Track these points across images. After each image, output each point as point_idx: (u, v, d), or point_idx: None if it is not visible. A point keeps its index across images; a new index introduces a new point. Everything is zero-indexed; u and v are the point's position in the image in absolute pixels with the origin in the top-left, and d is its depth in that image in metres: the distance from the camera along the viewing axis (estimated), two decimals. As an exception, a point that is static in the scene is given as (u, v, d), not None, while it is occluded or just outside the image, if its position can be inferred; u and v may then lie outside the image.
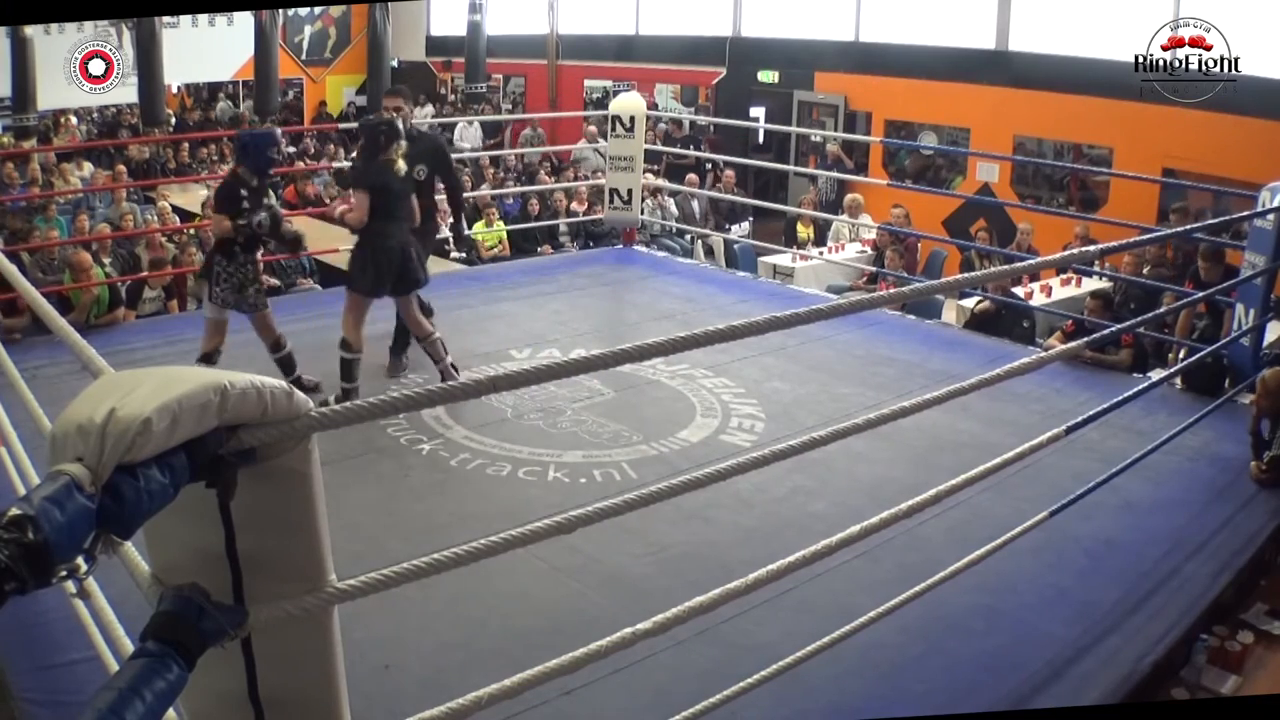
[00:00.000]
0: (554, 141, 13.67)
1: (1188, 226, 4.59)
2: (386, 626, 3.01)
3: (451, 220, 5.77)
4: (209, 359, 4.84)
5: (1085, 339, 4.55)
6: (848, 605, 2.80)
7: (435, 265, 5.83)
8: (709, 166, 11.95)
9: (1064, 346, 4.59)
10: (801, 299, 6.83)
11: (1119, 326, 4.44)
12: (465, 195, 10.58)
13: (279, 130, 5.32)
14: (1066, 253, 3.58)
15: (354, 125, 7.44)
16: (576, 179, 11.29)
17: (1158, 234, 5.03)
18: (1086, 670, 3.06)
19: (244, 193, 4.75)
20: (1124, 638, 3.23)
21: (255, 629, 1.42)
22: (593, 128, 12.82)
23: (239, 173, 4.85)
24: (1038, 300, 7.31)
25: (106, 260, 7.19)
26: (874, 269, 7.98)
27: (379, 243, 4.83)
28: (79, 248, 6.72)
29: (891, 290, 6.70)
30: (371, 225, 4.81)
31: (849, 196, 10.01)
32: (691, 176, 11.26)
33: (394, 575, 1.62)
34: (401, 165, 4.84)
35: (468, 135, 13.59)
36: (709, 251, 10.21)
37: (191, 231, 8.27)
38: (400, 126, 4.93)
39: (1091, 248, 3.27)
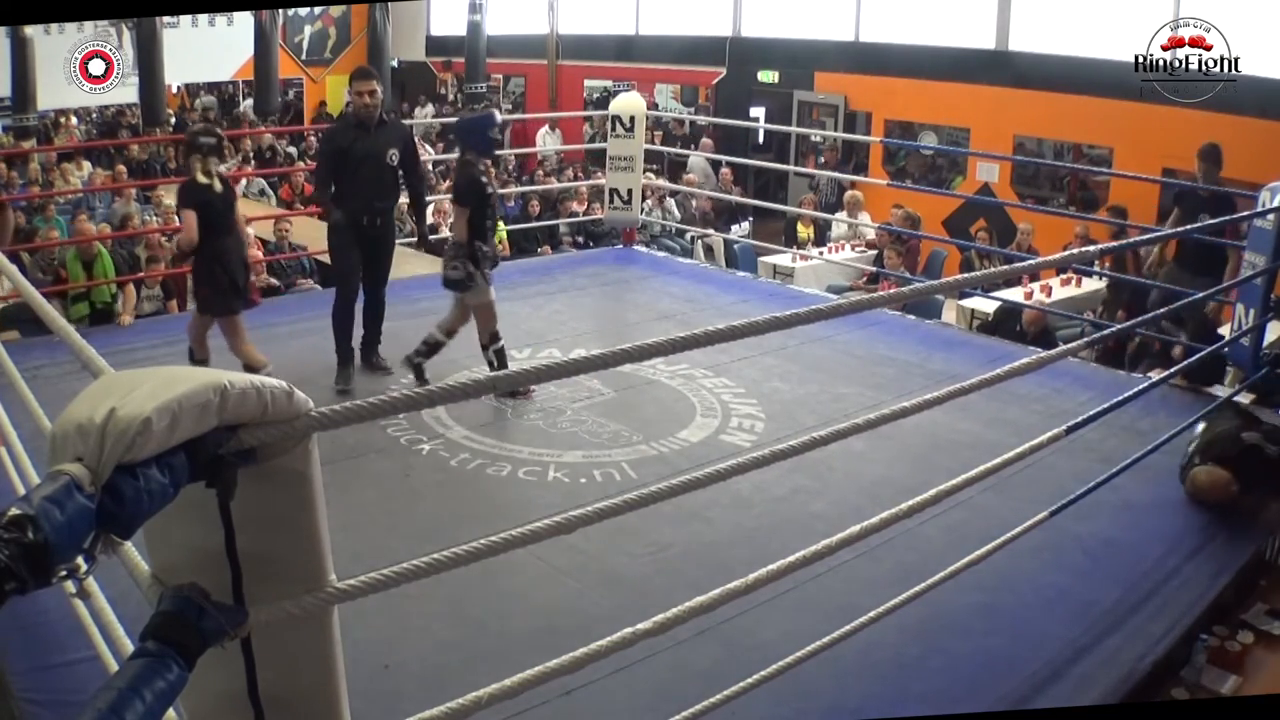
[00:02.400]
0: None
1: (1187, 226, 4.58)
2: (386, 626, 3.01)
3: (414, 219, 5.63)
4: (496, 337, 4.97)
5: (1086, 339, 4.56)
6: (848, 605, 2.80)
7: (435, 265, 5.82)
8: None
9: (1065, 347, 4.59)
10: (801, 299, 6.83)
11: (1119, 326, 4.45)
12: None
13: (496, 111, 5.29)
14: (1066, 253, 3.57)
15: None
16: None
17: (1158, 234, 5.02)
18: (1086, 670, 3.06)
19: (484, 179, 4.87)
20: (1124, 638, 3.23)
21: (255, 629, 1.42)
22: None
23: (469, 159, 4.92)
24: (1037, 300, 7.32)
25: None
26: (874, 269, 7.99)
27: (218, 259, 4.71)
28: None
29: (891, 290, 6.70)
30: (207, 242, 4.66)
31: (848, 194, 10.01)
32: (690, 177, 11.26)
33: (394, 575, 1.62)
34: (215, 183, 4.65)
35: (550, 141, 13.48)
36: (709, 251, 10.21)
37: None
38: (216, 142, 4.76)
39: (1091, 248, 3.27)
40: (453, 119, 5.74)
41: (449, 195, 5.73)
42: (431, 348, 5.10)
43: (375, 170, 5.07)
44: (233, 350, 4.76)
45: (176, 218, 5.10)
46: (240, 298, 4.79)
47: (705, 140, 12.29)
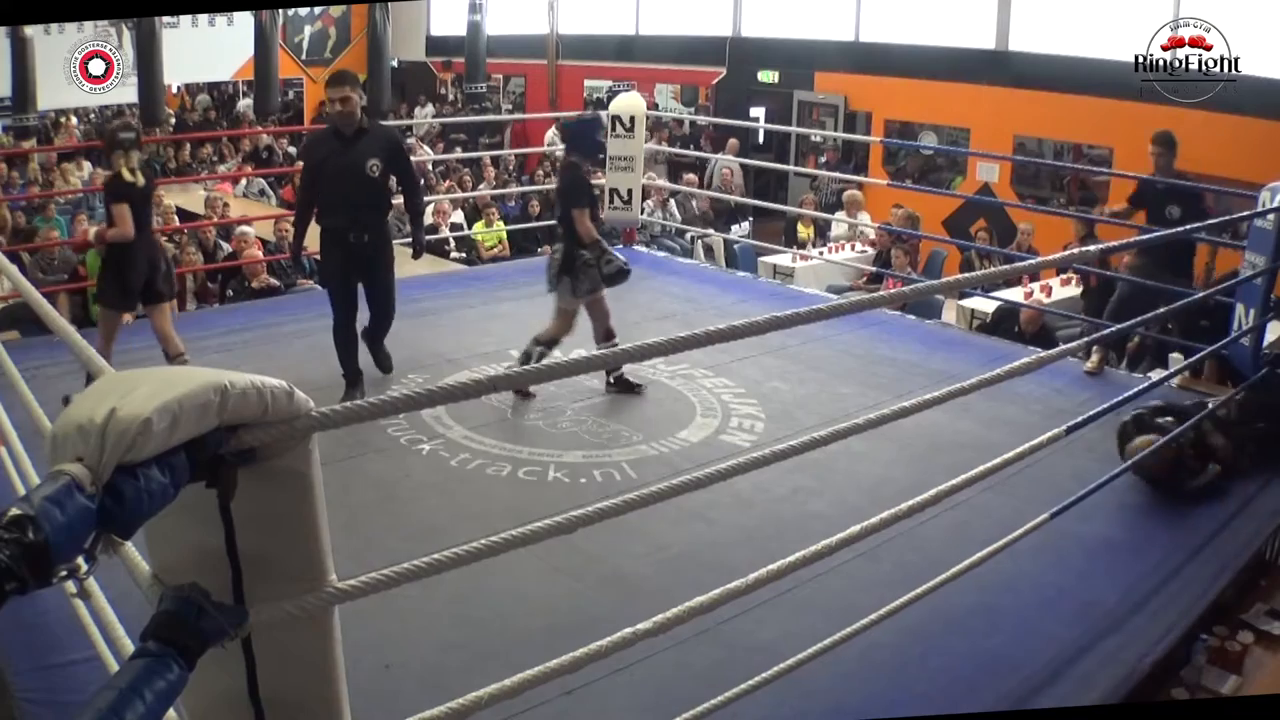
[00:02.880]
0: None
1: (1188, 226, 4.57)
2: (386, 626, 3.01)
3: (411, 227, 5.31)
4: (553, 344, 4.95)
5: (1087, 338, 4.56)
6: (848, 605, 2.80)
7: (436, 265, 5.83)
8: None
9: (1065, 347, 4.59)
10: (801, 299, 6.83)
11: (1120, 326, 4.44)
12: (467, 195, 10.68)
13: (603, 115, 5.25)
14: (1066, 253, 3.57)
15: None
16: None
17: (1158, 234, 5.02)
18: (1086, 670, 3.06)
19: (592, 185, 4.88)
20: (1124, 638, 3.23)
21: (255, 629, 1.41)
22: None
23: (575, 162, 4.91)
24: (1036, 300, 7.32)
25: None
26: (874, 269, 7.99)
27: (132, 254, 4.74)
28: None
29: (891, 290, 6.69)
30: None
31: (847, 193, 10.01)
32: (690, 176, 11.26)
33: (394, 575, 1.62)
34: (139, 178, 4.70)
35: (559, 142, 13.46)
36: (709, 251, 10.21)
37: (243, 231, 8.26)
38: (135, 137, 4.77)
39: (1092, 247, 3.26)
40: (559, 119, 5.44)
41: (446, 194, 5.70)
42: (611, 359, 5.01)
43: (355, 184, 4.74)
44: (98, 348, 4.76)
45: (175, 218, 5.12)
46: (137, 298, 4.82)
47: (732, 141, 12.31)
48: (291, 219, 8.27)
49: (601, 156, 5.13)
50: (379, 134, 4.89)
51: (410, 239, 5.31)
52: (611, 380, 5.06)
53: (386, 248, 4.98)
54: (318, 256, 5.72)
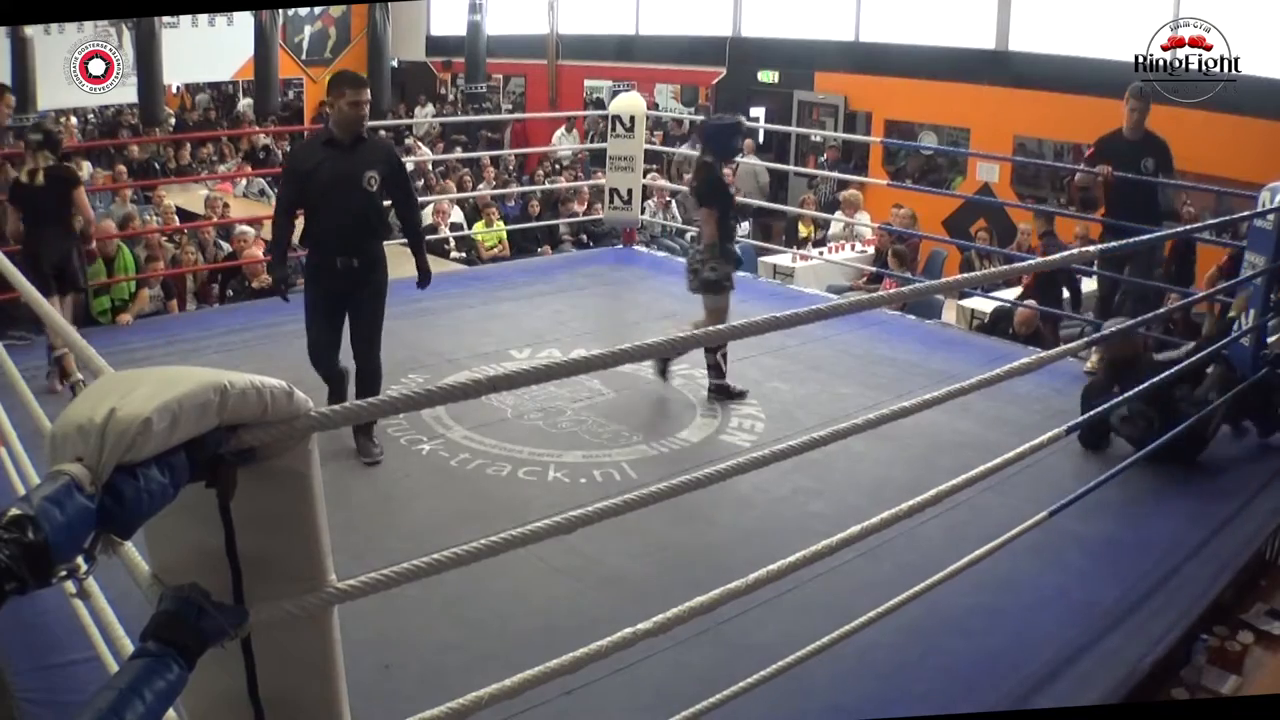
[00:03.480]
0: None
1: (1188, 226, 4.57)
2: (386, 626, 3.01)
3: (412, 251, 4.59)
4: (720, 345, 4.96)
5: (1087, 339, 4.56)
6: (848, 605, 2.80)
7: (435, 265, 5.82)
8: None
9: (1066, 347, 4.59)
10: (801, 299, 6.83)
11: (1121, 326, 4.44)
12: (467, 195, 10.68)
13: (742, 118, 5.25)
14: (1066, 253, 3.57)
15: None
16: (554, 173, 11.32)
17: (1158, 234, 5.01)
18: (1086, 670, 3.06)
19: (725, 180, 4.87)
20: (1124, 638, 3.23)
21: (255, 629, 1.41)
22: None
23: (709, 161, 4.91)
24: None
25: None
26: (874, 269, 7.98)
27: (33, 251, 4.85)
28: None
29: (891, 290, 6.69)
30: (29, 235, 4.91)
31: (846, 192, 10.01)
32: (690, 176, 11.25)
33: (394, 575, 1.62)
34: (38, 178, 4.86)
35: (567, 141, 13.44)
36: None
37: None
38: (43, 138, 4.93)
39: (1091, 248, 3.26)
40: (700, 119, 5.28)
41: (445, 195, 5.66)
42: (716, 367, 4.99)
43: (349, 199, 4.15)
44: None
45: (176, 218, 5.17)
46: (49, 294, 4.85)
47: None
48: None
49: (736, 160, 5.08)
50: (377, 144, 4.37)
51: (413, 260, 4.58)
52: (711, 387, 5.04)
53: (379, 276, 4.30)
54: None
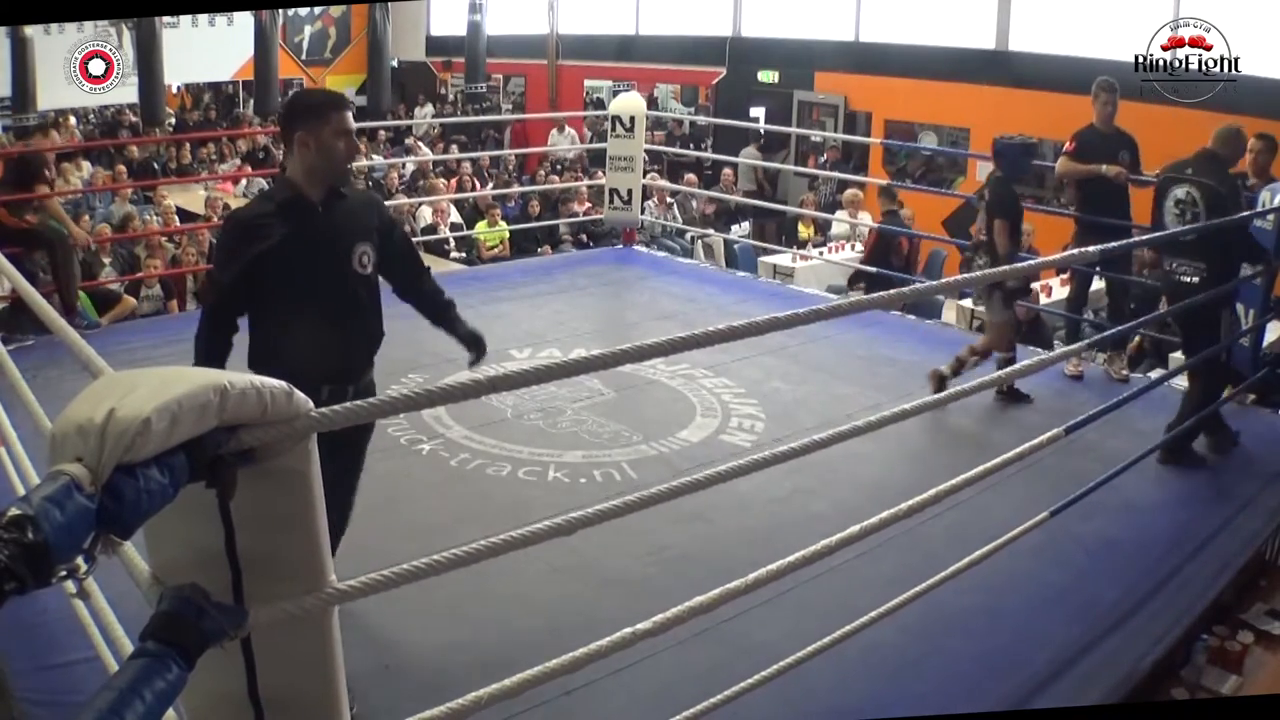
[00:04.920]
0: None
1: (1189, 227, 4.56)
2: (386, 626, 3.01)
3: (459, 339, 3.26)
4: (986, 355, 4.97)
5: (1087, 340, 4.56)
6: (848, 605, 2.80)
7: (435, 265, 5.81)
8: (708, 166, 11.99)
9: (1067, 348, 4.59)
10: (802, 299, 6.83)
11: (1121, 327, 4.45)
12: (467, 195, 10.67)
13: (1033, 139, 5.30)
14: (1067, 253, 3.57)
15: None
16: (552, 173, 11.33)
17: (1158, 235, 5.01)
18: (1086, 670, 3.06)
19: (1020, 202, 4.97)
20: (1124, 638, 3.23)
21: (255, 629, 1.41)
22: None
23: (1004, 178, 5.01)
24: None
25: (106, 260, 7.20)
26: (874, 269, 7.97)
27: None
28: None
29: (892, 291, 6.68)
30: None
31: (849, 192, 10.01)
32: (690, 176, 11.26)
33: (394, 575, 1.62)
34: None
35: (560, 140, 13.41)
36: (709, 251, 10.21)
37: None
38: None
39: (1091, 248, 3.26)
40: (999, 140, 5.21)
41: (440, 196, 5.64)
42: (1012, 391, 4.98)
43: (334, 289, 2.77)
44: None
45: (176, 218, 5.17)
46: None
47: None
48: None
49: (1027, 175, 5.18)
50: (360, 200, 2.91)
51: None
52: (1003, 390, 5.00)
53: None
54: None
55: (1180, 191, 4.45)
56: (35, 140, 10.52)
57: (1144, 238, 4.62)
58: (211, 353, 2.73)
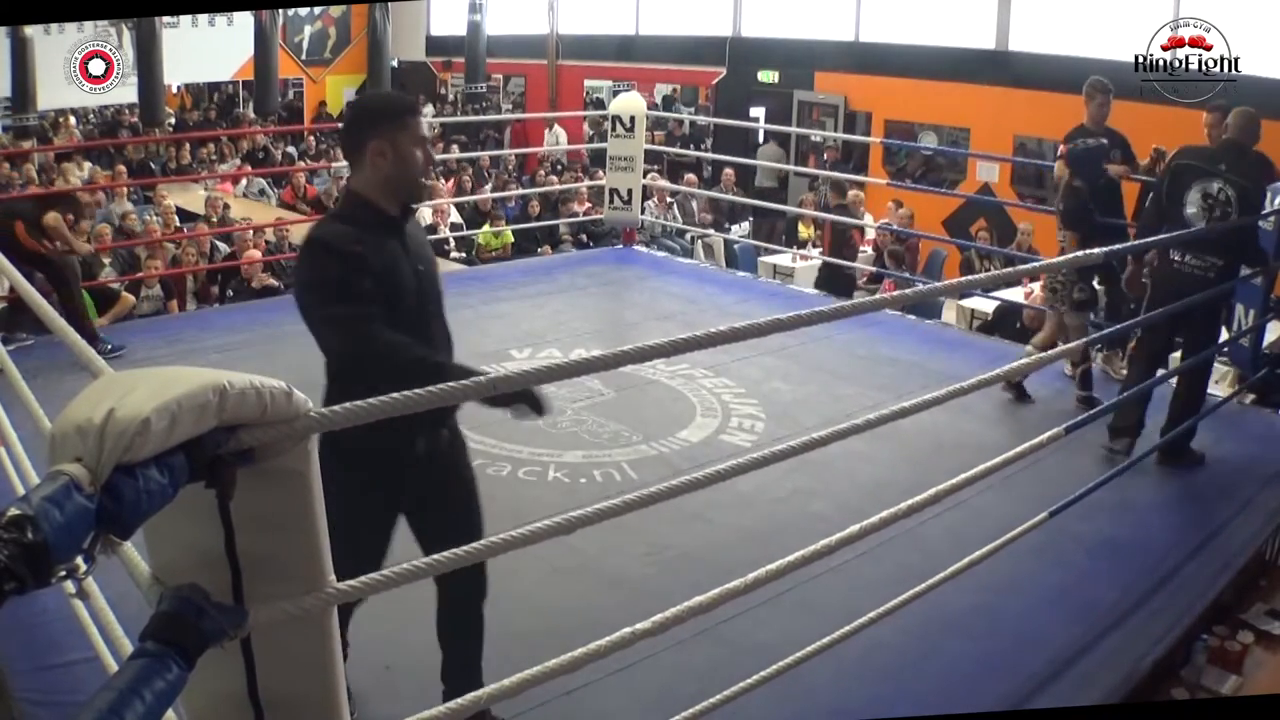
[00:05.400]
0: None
1: (1189, 229, 4.56)
2: (386, 626, 3.01)
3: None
4: (1087, 356, 5.02)
5: (1086, 339, 4.56)
6: (848, 605, 2.80)
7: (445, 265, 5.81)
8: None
9: (1067, 346, 4.59)
10: (802, 299, 6.83)
11: (1121, 326, 4.44)
12: (467, 198, 10.67)
13: (1105, 141, 5.26)
14: (1073, 254, 3.57)
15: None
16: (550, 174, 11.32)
17: (1159, 236, 5.00)
18: (1086, 670, 3.06)
19: (1091, 206, 4.94)
20: (1124, 638, 3.23)
21: (255, 629, 1.41)
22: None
23: (1078, 186, 4.98)
24: (1035, 299, 7.32)
25: (106, 260, 7.21)
26: (874, 269, 7.98)
27: None
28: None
29: (892, 291, 6.69)
30: None
31: (848, 193, 10.01)
32: (690, 177, 11.27)
33: (394, 575, 1.62)
34: None
35: (551, 140, 13.39)
36: (709, 251, 10.21)
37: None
38: None
39: (1095, 250, 3.25)
40: (1066, 145, 5.20)
41: (446, 198, 5.64)
42: (1086, 376, 5.03)
43: (437, 317, 2.59)
44: None
45: (176, 218, 5.15)
46: None
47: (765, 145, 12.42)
48: (294, 223, 8.23)
49: (1101, 181, 5.15)
50: (412, 216, 2.55)
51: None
52: (1080, 397, 5.03)
53: (465, 450, 2.72)
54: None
55: (1213, 187, 4.39)
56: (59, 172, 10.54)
57: (1163, 237, 4.59)
58: (398, 341, 2.32)
